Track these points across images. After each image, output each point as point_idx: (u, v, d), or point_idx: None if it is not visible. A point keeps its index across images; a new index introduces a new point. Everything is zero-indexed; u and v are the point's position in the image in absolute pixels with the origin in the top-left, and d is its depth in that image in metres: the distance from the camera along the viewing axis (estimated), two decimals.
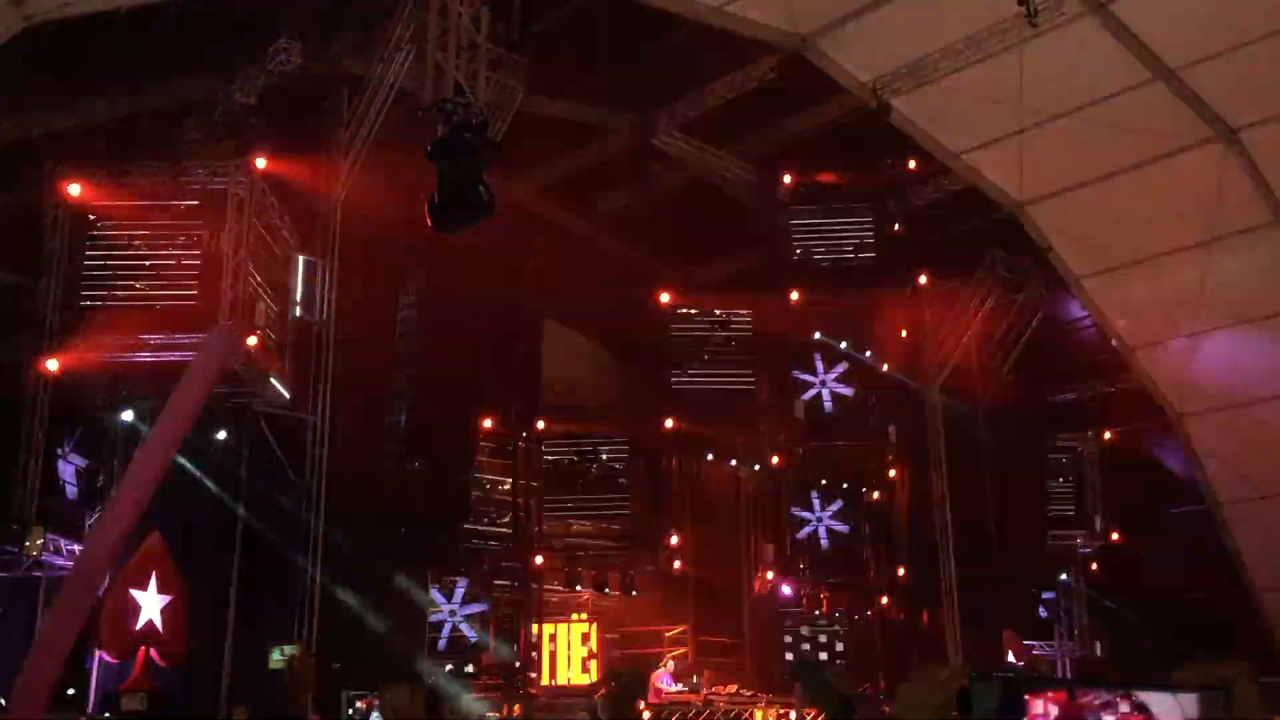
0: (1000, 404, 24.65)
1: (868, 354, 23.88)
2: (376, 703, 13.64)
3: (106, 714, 16.39)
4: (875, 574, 23.88)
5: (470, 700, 17.35)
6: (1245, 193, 20.03)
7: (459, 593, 21.63)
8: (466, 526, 22.34)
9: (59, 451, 17.77)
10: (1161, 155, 19.91)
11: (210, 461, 17.91)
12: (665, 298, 24.65)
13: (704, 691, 21.18)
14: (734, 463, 25.57)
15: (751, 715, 20.72)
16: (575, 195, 24.63)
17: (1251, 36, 17.66)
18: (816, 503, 23.96)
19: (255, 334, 17.28)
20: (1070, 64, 18.68)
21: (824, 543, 23.95)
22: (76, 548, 17.41)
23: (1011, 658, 22.84)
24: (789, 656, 22.98)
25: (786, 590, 23.65)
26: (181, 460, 16.95)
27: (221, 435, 17.90)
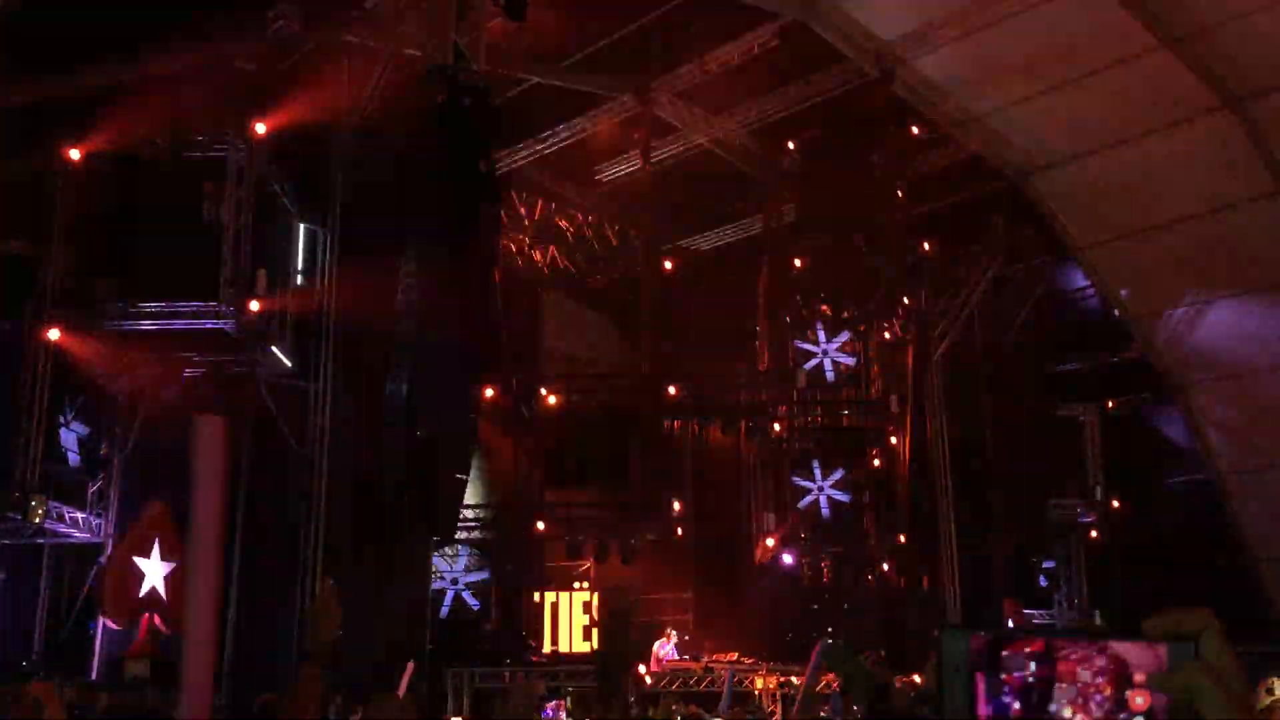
0: (1002, 373, 24.65)
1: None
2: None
3: (111, 680, 16.50)
4: (876, 542, 23.92)
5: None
6: (1251, 161, 19.93)
7: (461, 561, 21.69)
8: (468, 495, 22.38)
9: (61, 420, 17.80)
10: (1168, 124, 19.80)
11: None
12: (667, 266, 24.59)
13: (704, 660, 21.28)
14: (735, 432, 25.58)
15: (752, 683, 20.80)
16: (575, 164, 24.54)
17: (1260, 3, 17.51)
18: (817, 471, 23.97)
19: (257, 301, 17.28)
20: (1076, 30, 18.54)
21: (825, 511, 23.97)
22: (80, 515, 17.49)
23: (1011, 626, 22.95)
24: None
25: (787, 559, 23.71)
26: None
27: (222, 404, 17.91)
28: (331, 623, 4.11)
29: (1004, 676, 1.59)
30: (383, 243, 19.36)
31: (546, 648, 22.68)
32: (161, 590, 17.01)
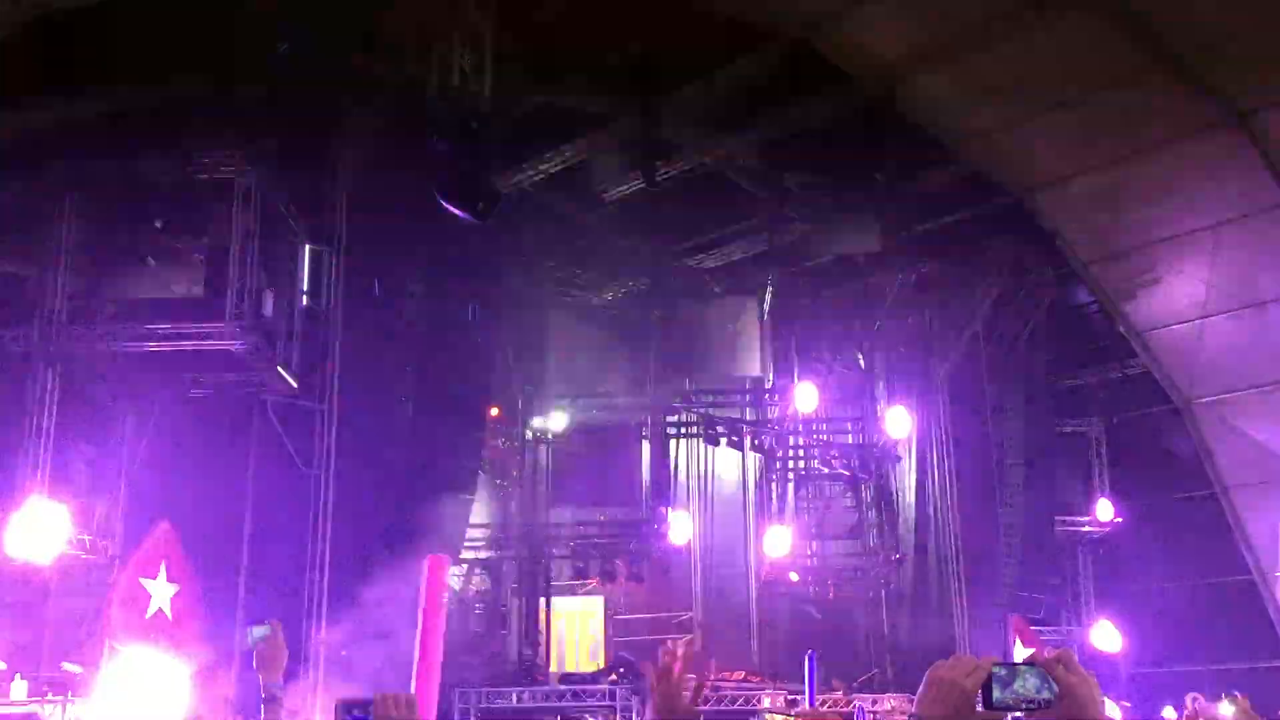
0: (1007, 389, 24.63)
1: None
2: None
3: None
4: (882, 559, 23.88)
5: None
6: (1255, 176, 19.94)
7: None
8: (473, 515, 22.38)
9: (67, 441, 17.80)
10: (1171, 139, 19.82)
11: (218, 451, 17.96)
12: (672, 286, 24.65)
13: (711, 678, 21.21)
14: (741, 449, 25.57)
15: (759, 701, 20.74)
16: (580, 184, 24.55)
17: (1262, 18, 17.53)
18: (825, 488, 23.97)
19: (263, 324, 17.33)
20: (1080, 48, 18.57)
21: (831, 528, 23.96)
22: (85, 537, 17.48)
23: (1019, 642, 22.88)
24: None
25: (793, 576, 23.67)
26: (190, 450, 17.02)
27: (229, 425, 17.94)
28: (280, 663, 4.18)
29: None
30: (388, 264, 19.42)
31: (554, 667, 22.63)
32: (168, 612, 16.96)
